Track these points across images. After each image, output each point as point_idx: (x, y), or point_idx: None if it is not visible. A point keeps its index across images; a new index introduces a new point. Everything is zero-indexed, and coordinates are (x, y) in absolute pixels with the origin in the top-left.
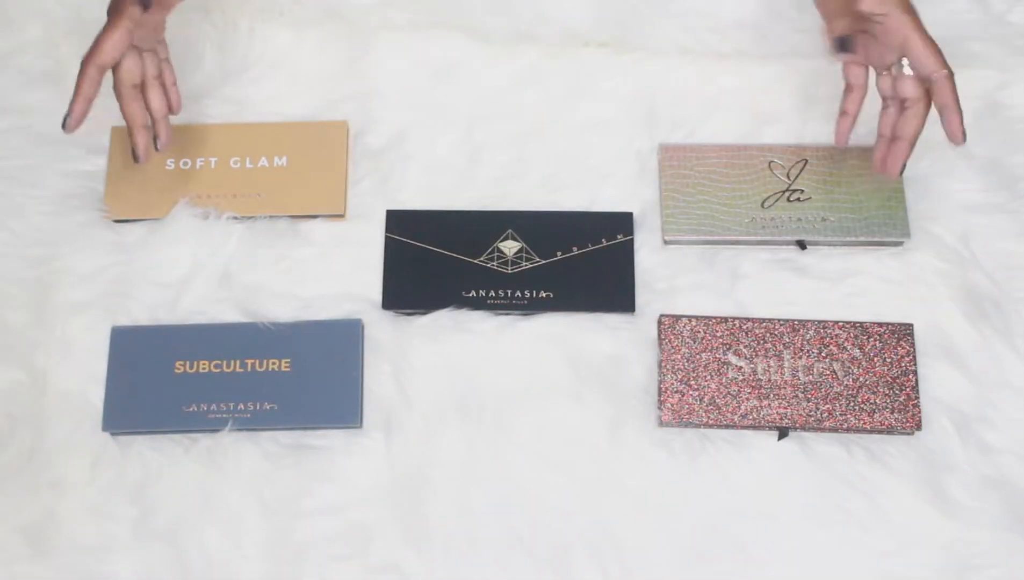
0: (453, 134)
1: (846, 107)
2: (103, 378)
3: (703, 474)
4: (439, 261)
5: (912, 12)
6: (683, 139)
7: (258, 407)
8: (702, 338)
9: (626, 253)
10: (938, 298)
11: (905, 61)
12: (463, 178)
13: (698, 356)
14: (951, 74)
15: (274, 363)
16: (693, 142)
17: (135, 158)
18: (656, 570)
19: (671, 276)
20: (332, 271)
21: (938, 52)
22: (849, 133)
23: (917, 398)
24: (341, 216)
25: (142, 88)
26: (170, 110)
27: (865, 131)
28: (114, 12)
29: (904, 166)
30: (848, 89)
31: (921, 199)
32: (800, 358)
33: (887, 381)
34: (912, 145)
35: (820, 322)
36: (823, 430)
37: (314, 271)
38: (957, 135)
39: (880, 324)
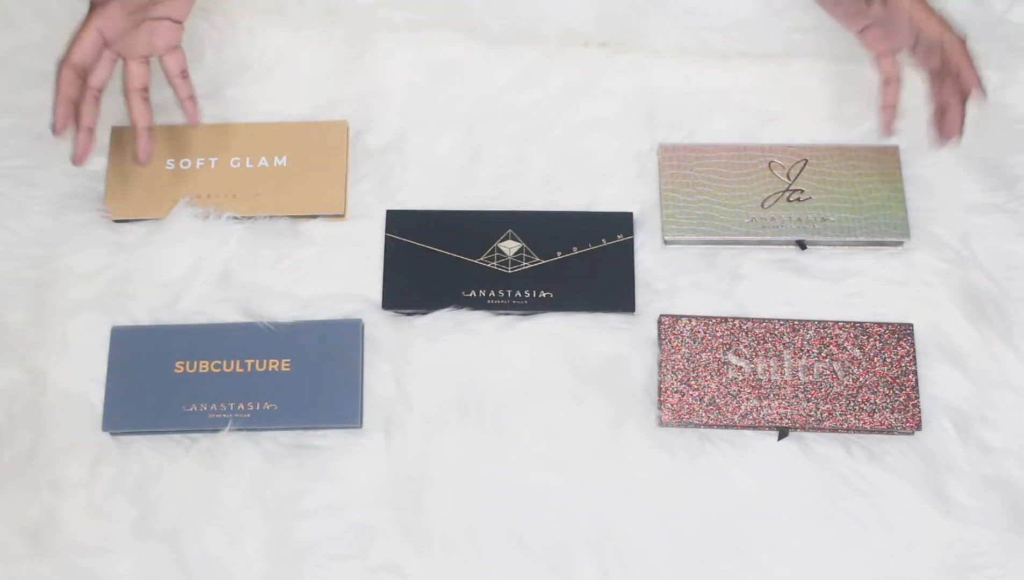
0: (453, 134)
1: (885, 100)
2: (103, 378)
3: (703, 474)
4: (439, 261)
5: None
6: (683, 139)
7: (258, 407)
8: (702, 338)
9: (626, 253)
10: (938, 298)
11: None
12: (463, 178)
13: (698, 356)
14: (963, 38)
15: (274, 363)
16: (693, 142)
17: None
18: (656, 570)
19: (671, 276)
20: (332, 271)
21: (942, 21)
22: (892, 124)
23: (917, 398)
24: (341, 216)
25: (125, 97)
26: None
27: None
28: (88, 13)
29: (963, 128)
30: (884, 83)
31: (921, 199)
32: (800, 358)
33: (887, 381)
34: (963, 105)
35: (820, 322)
36: (823, 430)
37: (314, 271)
38: (976, 89)
39: (880, 324)
